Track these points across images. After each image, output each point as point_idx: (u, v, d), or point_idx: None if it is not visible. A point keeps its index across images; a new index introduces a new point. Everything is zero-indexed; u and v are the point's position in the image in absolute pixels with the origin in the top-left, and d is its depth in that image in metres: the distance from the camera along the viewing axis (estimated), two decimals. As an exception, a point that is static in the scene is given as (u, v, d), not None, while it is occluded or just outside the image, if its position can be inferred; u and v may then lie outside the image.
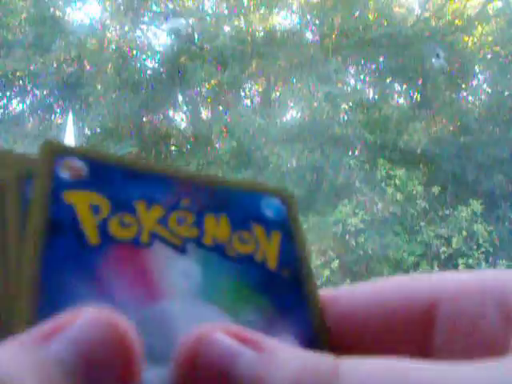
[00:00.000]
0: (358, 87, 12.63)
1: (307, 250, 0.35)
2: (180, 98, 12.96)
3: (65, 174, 0.30)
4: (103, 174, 0.31)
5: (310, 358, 0.22)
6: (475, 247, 10.41)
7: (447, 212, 10.72)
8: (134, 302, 0.29)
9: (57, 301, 0.27)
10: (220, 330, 0.23)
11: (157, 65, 12.77)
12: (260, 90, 12.84)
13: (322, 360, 0.21)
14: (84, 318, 0.22)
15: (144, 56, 12.68)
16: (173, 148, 13.05)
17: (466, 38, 12.46)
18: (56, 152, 0.30)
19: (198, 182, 0.33)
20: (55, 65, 11.75)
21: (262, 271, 0.33)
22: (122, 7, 12.33)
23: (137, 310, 0.29)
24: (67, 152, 0.30)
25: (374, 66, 12.59)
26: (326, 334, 0.32)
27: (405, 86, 12.77)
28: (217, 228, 0.32)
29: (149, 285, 0.30)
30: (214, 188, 0.33)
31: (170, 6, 12.56)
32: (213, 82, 12.02)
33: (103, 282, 0.29)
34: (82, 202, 0.30)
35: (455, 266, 10.36)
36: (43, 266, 0.28)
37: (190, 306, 0.30)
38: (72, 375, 0.20)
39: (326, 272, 9.94)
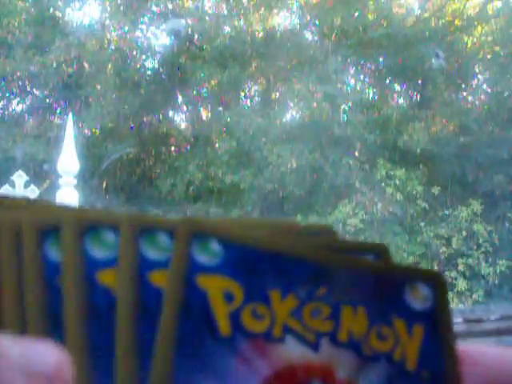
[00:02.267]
0: (358, 87, 12.63)
1: (453, 345, 0.30)
2: (180, 98, 12.96)
3: (200, 257, 0.28)
4: (238, 257, 0.29)
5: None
6: (475, 247, 10.40)
7: (447, 212, 10.72)
8: None
9: None
10: None
11: (157, 65, 12.77)
12: (260, 89, 12.83)
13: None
14: None
15: (144, 56, 12.68)
16: (173, 148, 13.05)
17: (466, 38, 12.45)
18: (193, 233, 0.29)
19: (337, 267, 0.30)
20: (55, 65, 11.75)
21: (399, 372, 0.30)
22: (121, 8, 12.33)
23: None
24: (205, 233, 0.29)
25: (373, 66, 12.58)
26: None
27: (405, 86, 12.77)
28: (354, 322, 0.29)
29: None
30: (353, 274, 0.30)
31: (170, 6, 12.56)
32: (213, 82, 12.02)
33: (234, 380, 0.28)
34: (215, 287, 0.28)
35: (455, 266, 10.37)
36: (180, 361, 0.27)
37: None
38: None
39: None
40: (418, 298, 0.30)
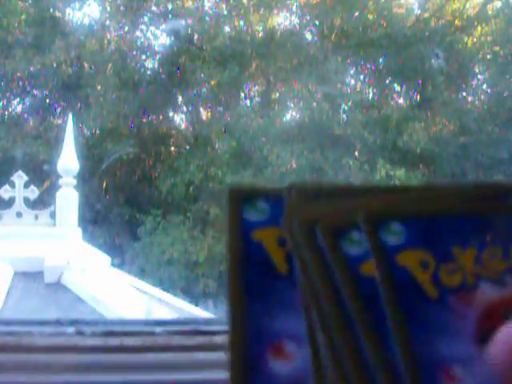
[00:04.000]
0: (358, 87, 12.62)
1: None
2: (180, 98, 12.96)
3: (388, 238, 0.34)
4: (420, 231, 0.35)
5: None
6: (475, 247, 10.40)
7: (447, 212, 10.71)
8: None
9: None
10: None
11: (157, 65, 12.77)
12: (260, 90, 12.83)
13: None
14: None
15: (144, 56, 12.68)
16: (173, 148, 13.05)
17: (466, 38, 12.45)
18: (377, 218, 0.36)
19: (497, 215, 0.36)
20: (55, 65, 11.74)
21: None
22: (121, 8, 12.32)
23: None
24: (386, 217, 0.36)
25: (373, 66, 12.58)
26: None
27: (405, 86, 12.76)
28: None
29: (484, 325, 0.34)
30: (508, 217, 0.36)
31: (170, 6, 12.56)
32: (213, 82, 12.01)
33: (454, 333, 0.33)
34: (412, 260, 0.34)
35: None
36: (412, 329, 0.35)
37: None
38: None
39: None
40: None
